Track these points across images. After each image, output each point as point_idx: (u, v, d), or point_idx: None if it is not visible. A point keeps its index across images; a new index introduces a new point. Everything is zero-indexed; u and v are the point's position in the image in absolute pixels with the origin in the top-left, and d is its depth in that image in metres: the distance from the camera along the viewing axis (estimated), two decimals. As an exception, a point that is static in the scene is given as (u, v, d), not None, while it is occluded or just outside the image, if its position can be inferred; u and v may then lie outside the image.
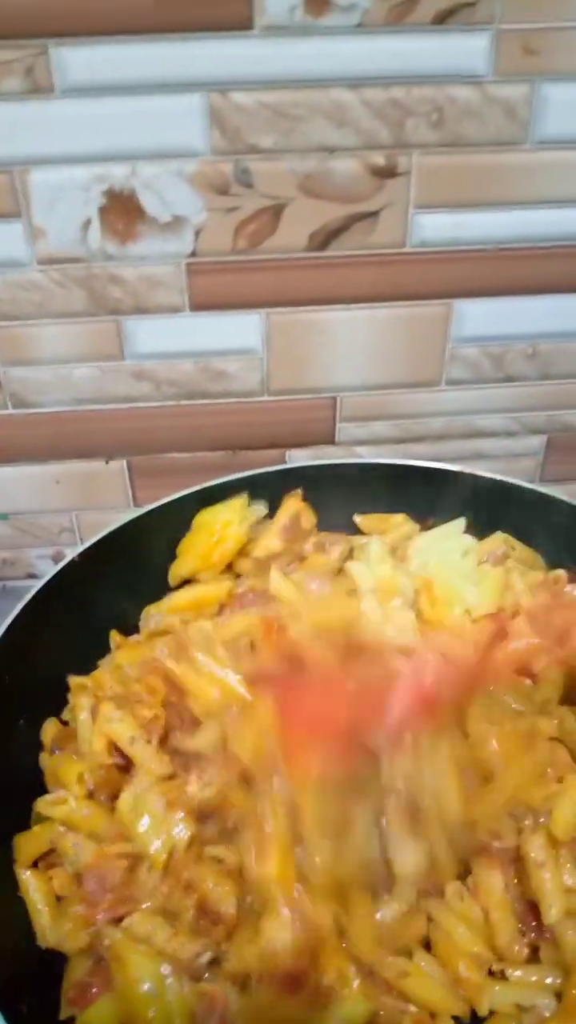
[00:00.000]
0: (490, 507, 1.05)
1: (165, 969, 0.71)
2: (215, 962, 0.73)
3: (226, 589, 1.00)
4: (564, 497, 1.02)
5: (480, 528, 1.05)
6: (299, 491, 1.07)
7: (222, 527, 1.03)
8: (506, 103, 0.93)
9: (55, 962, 0.78)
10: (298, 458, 1.19)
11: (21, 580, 1.26)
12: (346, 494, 1.10)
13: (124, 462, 1.16)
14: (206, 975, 0.73)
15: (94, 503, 1.20)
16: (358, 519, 1.11)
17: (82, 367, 1.07)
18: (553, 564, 1.03)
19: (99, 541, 0.99)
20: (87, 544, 0.99)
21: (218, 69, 0.89)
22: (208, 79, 0.90)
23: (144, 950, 0.72)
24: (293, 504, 1.06)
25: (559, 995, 0.74)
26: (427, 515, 1.09)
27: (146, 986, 0.71)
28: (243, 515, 1.04)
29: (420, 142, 0.95)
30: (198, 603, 1.00)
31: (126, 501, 1.20)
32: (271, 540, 1.03)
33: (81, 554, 0.98)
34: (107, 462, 1.16)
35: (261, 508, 1.06)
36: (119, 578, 1.01)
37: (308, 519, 1.07)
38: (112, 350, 1.06)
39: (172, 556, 1.04)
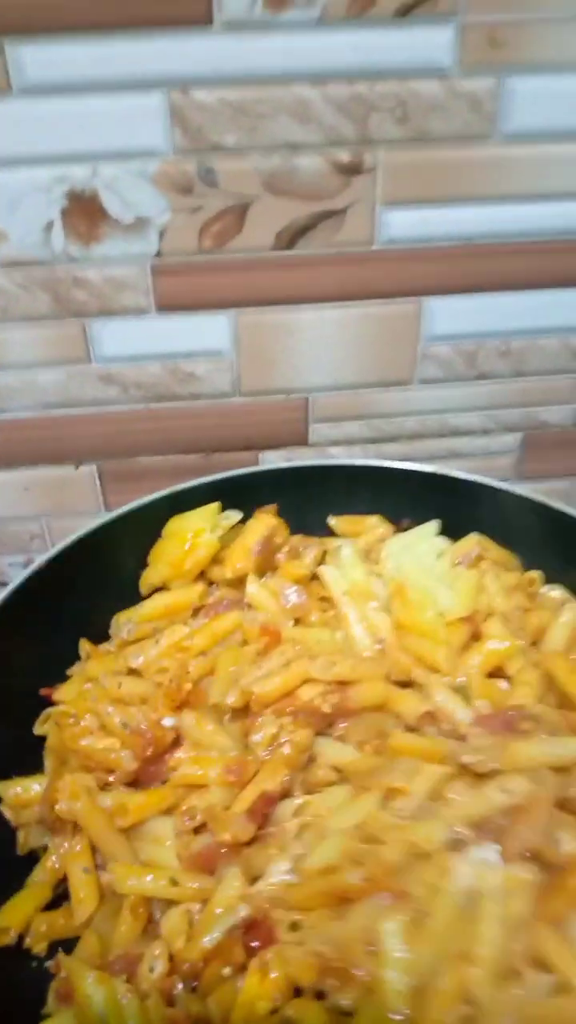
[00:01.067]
0: (465, 507, 1.04)
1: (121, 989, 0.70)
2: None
3: (197, 594, 0.99)
4: (539, 497, 1.01)
5: (455, 529, 1.03)
6: (272, 507, 1.05)
7: (194, 535, 1.01)
8: (472, 97, 0.92)
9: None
10: (271, 460, 1.17)
11: (-8, 588, 1.24)
12: (320, 495, 1.09)
13: (94, 467, 1.15)
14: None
15: (65, 509, 1.18)
16: (332, 521, 1.09)
17: (48, 371, 1.06)
18: (529, 565, 1.02)
19: (67, 547, 0.98)
20: (55, 551, 0.97)
21: (178, 66, 0.88)
22: (168, 77, 0.88)
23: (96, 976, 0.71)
24: (265, 521, 1.04)
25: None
26: (402, 516, 1.08)
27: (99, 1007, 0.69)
28: (215, 522, 1.03)
29: (385, 138, 0.94)
30: (170, 610, 0.99)
31: (97, 506, 1.18)
32: (244, 560, 1.01)
33: (49, 560, 0.97)
34: (76, 467, 1.14)
35: (235, 514, 1.05)
36: (89, 585, 0.99)
37: (282, 535, 1.05)
38: (78, 353, 1.05)
39: (143, 561, 1.03)
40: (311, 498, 1.09)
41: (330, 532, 1.09)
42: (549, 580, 1.00)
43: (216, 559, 1.02)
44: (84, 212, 0.95)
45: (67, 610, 0.97)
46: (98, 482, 1.16)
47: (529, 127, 0.95)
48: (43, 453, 1.13)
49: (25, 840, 0.86)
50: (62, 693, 0.92)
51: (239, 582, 0.99)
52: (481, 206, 0.99)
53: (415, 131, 0.94)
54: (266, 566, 1.02)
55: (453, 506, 1.04)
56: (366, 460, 1.11)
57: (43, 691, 0.93)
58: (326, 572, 0.98)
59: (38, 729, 0.91)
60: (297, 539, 1.06)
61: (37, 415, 1.09)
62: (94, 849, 0.82)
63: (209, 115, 0.91)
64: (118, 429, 1.11)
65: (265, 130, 0.92)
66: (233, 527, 1.04)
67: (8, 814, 0.86)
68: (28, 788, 0.86)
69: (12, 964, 0.78)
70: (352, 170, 0.95)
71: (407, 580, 0.95)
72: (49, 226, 0.95)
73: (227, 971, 0.71)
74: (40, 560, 0.96)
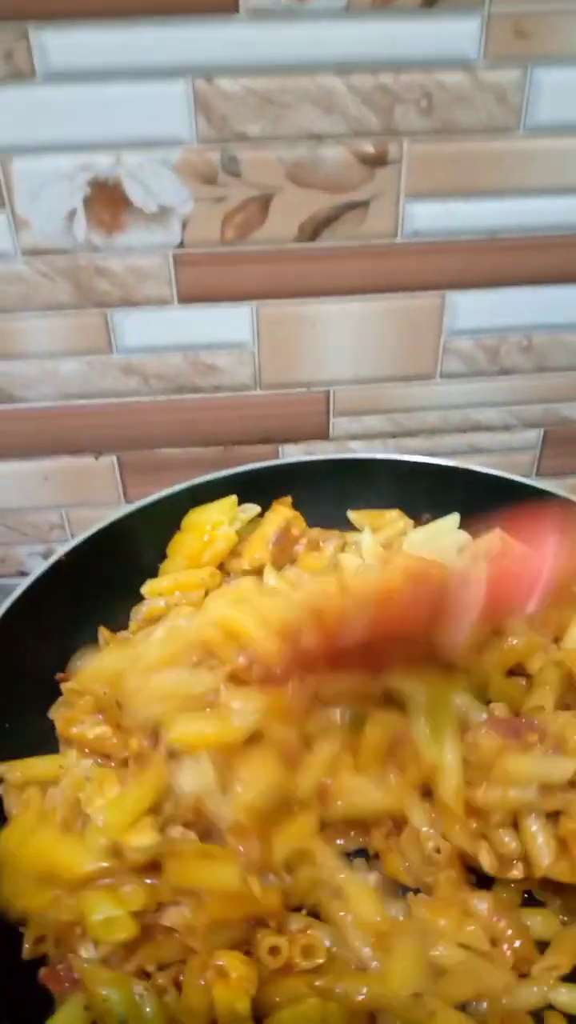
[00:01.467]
0: (486, 502, 1.03)
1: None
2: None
3: (208, 573, 0.98)
4: (561, 492, 1.00)
5: (475, 524, 1.03)
6: (288, 499, 1.05)
7: (212, 527, 1.01)
8: (497, 88, 0.91)
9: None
10: (291, 453, 1.17)
11: (12, 578, 1.24)
12: (340, 490, 1.09)
13: (114, 458, 1.15)
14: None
15: (84, 499, 1.18)
16: (352, 515, 1.09)
17: (69, 361, 1.05)
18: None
19: (87, 539, 0.98)
20: (75, 542, 0.98)
21: (203, 54, 0.88)
22: (193, 64, 0.88)
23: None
24: (282, 512, 1.04)
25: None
26: (422, 511, 1.07)
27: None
28: (233, 515, 1.03)
29: (410, 129, 0.93)
30: (182, 587, 0.99)
31: (117, 497, 1.18)
32: (261, 551, 1.01)
33: (69, 552, 0.97)
34: (97, 458, 1.14)
35: (253, 508, 1.05)
36: (109, 575, 0.99)
37: (298, 526, 1.05)
38: (99, 343, 1.04)
39: (163, 553, 1.03)
40: (331, 492, 1.08)
41: (350, 527, 1.09)
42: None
43: (234, 552, 1.02)
44: (107, 201, 0.95)
45: (87, 600, 0.97)
46: (118, 473, 1.16)
47: (555, 120, 0.94)
48: (63, 443, 1.13)
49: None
50: (75, 680, 0.92)
51: (257, 573, 0.99)
52: (506, 199, 0.98)
53: (440, 123, 0.93)
54: (284, 558, 1.02)
55: (473, 501, 1.03)
56: (387, 454, 1.10)
57: (58, 676, 0.93)
58: (346, 559, 0.98)
59: (51, 714, 0.91)
60: (316, 532, 1.06)
61: (57, 405, 1.09)
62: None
63: (233, 104, 0.90)
64: (138, 420, 1.11)
65: (289, 120, 0.92)
66: (251, 520, 1.04)
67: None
68: (29, 767, 0.87)
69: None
70: (376, 161, 0.95)
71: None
72: (72, 214, 0.95)
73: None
74: (60, 551, 0.97)
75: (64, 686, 0.92)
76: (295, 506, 1.07)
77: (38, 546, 1.22)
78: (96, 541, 0.99)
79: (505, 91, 0.92)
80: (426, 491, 1.07)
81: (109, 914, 0.71)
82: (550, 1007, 0.73)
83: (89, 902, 0.72)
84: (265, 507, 1.06)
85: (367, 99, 0.91)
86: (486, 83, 0.91)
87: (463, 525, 1.04)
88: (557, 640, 0.93)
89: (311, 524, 1.07)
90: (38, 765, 0.86)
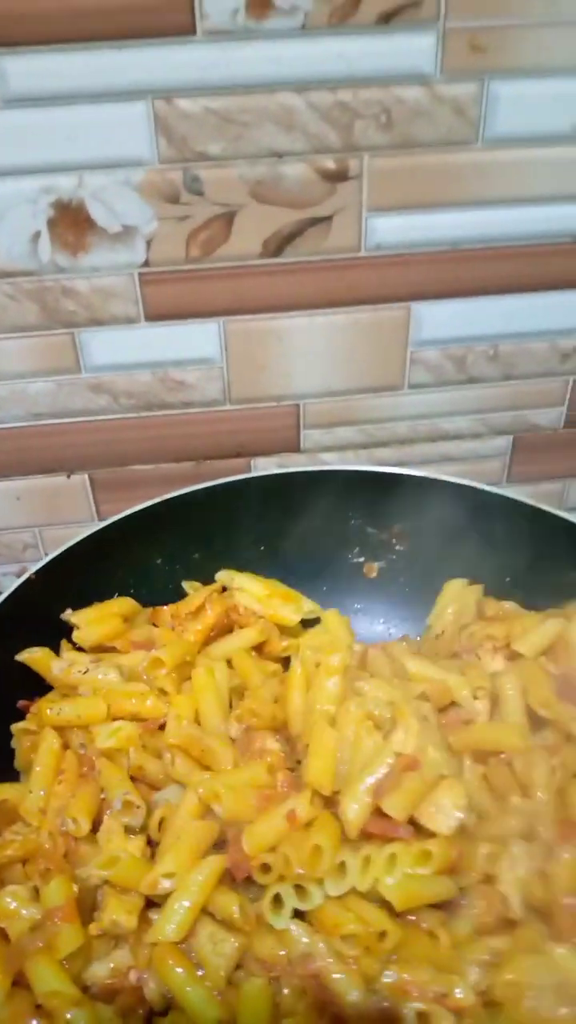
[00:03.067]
0: (456, 512, 1.04)
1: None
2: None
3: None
4: (529, 500, 1.01)
5: (448, 534, 1.03)
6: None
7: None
8: (455, 102, 0.92)
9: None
10: (264, 466, 1.17)
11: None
12: (313, 502, 1.09)
13: (86, 476, 1.15)
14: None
15: (57, 518, 1.18)
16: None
17: (38, 381, 1.06)
18: (518, 569, 1.02)
19: (57, 557, 0.98)
20: (47, 559, 0.98)
21: (162, 76, 0.88)
22: (152, 86, 0.89)
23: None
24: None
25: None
26: (393, 522, 1.08)
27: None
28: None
29: (370, 144, 0.94)
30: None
31: (90, 515, 1.18)
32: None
33: (40, 571, 0.97)
34: (68, 476, 1.14)
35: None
36: (82, 593, 0.99)
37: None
38: (68, 363, 1.05)
39: (136, 570, 1.03)
40: (304, 504, 1.09)
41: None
42: (539, 583, 1.00)
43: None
44: (71, 222, 0.95)
45: (60, 619, 0.97)
46: (90, 491, 1.16)
47: (513, 132, 0.95)
48: (35, 463, 1.13)
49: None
50: (37, 706, 0.91)
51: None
52: (467, 211, 0.99)
53: (400, 137, 0.94)
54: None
55: (445, 510, 1.04)
56: (359, 466, 1.11)
57: (20, 704, 0.93)
58: None
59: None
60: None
61: (28, 425, 1.09)
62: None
63: (194, 124, 0.91)
64: (109, 438, 1.12)
65: (250, 138, 0.92)
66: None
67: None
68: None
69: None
70: (338, 177, 0.96)
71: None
72: (36, 236, 0.96)
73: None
74: (32, 569, 0.97)
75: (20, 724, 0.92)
76: (267, 520, 1.07)
77: (12, 566, 1.22)
78: (69, 559, 0.99)
79: (463, 105, 0.93)
80: (397, 501, 1.07)
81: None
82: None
83: None
84: (242, 521, 1.06)
85: (327, 116, 0.92)
86: (444, 97, 0.92)
87: (439, 535, 1.04)
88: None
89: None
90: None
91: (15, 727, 0.91)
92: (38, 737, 0.88)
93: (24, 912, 0.76)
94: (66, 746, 0.87)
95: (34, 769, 0.85)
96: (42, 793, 0.84)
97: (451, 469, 1.14)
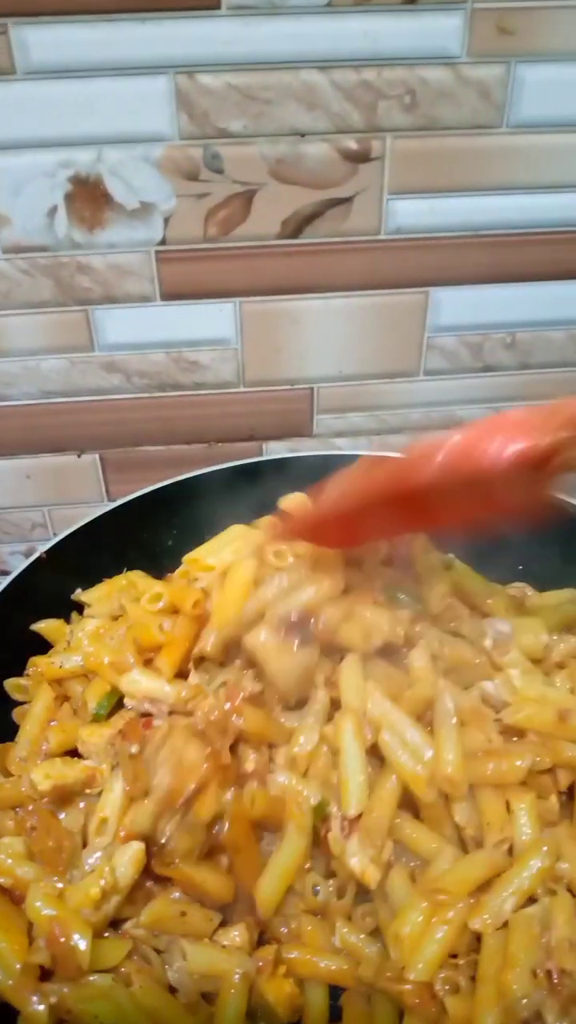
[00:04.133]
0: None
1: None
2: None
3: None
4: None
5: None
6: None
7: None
8: (481, 85, 0.91)
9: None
10: (275, 450, 1.16)
11: (-7, 577, 1.24)
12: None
13: (96, 456, 1.14)
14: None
15: (67, 498, 1.17)
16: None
17: (51, 359, 1.05)
18: (531, 559, 1.00)
19: (67, 537, 0.97)
20: (56, 539, 0.97)
21: (185, 50, 0.87)
22: (175, 61, 0.87)
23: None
24: None
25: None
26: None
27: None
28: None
29: (393, 126, 0.93)
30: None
31: (99, 495, 1.17)
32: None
33: (49, 551, 0.96)
34: (79, 456, 1.14)
35: None
36: (90, 574, 0.98)
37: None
38: (81, 341, 1.04)
39: (145, 551, 1.02)
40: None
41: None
42: (551, 573, 0.99)
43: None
44: (88, 197, 0.94)
45: (69, 599, 0.97)
46: (100, 471, 1.15)
47: (538, 116, 0.94)
48: (45, 441, 1.12)
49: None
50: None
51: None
52: (489, 196, 0.98)
53: (423, 119, 0.93)
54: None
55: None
56: (371, 452, 1.10)
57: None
58: None
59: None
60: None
61: (39, 403, 1.08)
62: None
63: (215, 100, 0.90)
64: (121, 418, 1.11)
65: (272, 116, 0.91)
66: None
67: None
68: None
69: None
70: (360, 158, 0.95)
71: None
72: (53, 211, 0.95)
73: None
74: (41, 549, 0.96)
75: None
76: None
77: (20, 545, 1.21)
78: (77, 539, 0.98)
79: (488, 87, 0.92)
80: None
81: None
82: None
83: None
84: (251, 502, 1.05)
85: (350, 95, 0.91)
86: (469, 79, 0.91)
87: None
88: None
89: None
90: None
91: (8, 682, 0.92)
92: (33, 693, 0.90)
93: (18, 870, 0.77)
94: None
95: (24, 727, 0.87)
96: (27, 743, 0.85)
97: (464, 458, 1.13)
